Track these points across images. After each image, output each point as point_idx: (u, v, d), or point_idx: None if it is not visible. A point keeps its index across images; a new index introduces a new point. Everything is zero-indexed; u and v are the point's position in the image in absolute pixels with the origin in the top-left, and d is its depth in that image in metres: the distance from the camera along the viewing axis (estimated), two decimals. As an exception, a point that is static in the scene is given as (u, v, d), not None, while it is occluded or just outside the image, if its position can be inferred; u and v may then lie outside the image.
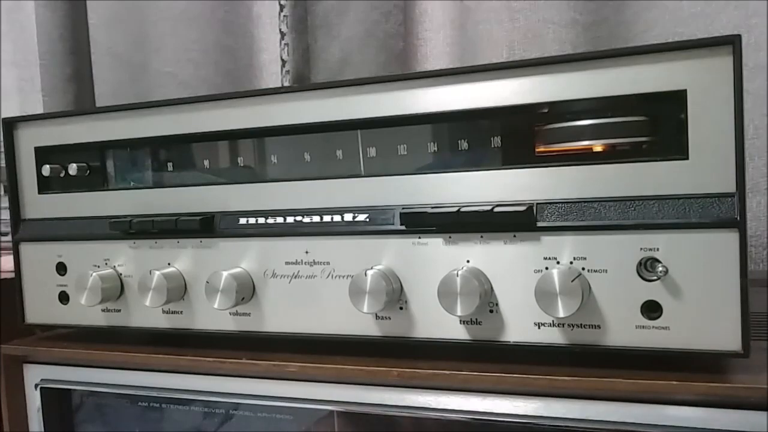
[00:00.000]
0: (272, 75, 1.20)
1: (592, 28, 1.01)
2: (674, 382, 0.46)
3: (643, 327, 0.48)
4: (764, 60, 0.92)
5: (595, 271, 0.49)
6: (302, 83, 1.17)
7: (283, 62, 1.16)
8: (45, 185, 0.68)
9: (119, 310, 0.65)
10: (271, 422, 0.58)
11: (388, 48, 1.15)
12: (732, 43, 0.45)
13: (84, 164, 0.66)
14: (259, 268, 0.59)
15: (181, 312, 0.62)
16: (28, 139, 0.68)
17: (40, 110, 1.21)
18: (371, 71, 1.15)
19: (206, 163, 0.62)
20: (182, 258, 0.61)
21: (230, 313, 0.60)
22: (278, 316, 0.58)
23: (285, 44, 1.16)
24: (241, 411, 0.60)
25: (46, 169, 0.67)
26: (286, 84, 1.16)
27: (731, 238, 0.45)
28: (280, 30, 1.15)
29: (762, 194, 0.93)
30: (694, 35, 0.96)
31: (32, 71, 1.23)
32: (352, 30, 1.15)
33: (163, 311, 0.62)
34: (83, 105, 1.25)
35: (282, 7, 1.14)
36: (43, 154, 0.68)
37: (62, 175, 0.67)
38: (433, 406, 0.53)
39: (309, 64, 1.18)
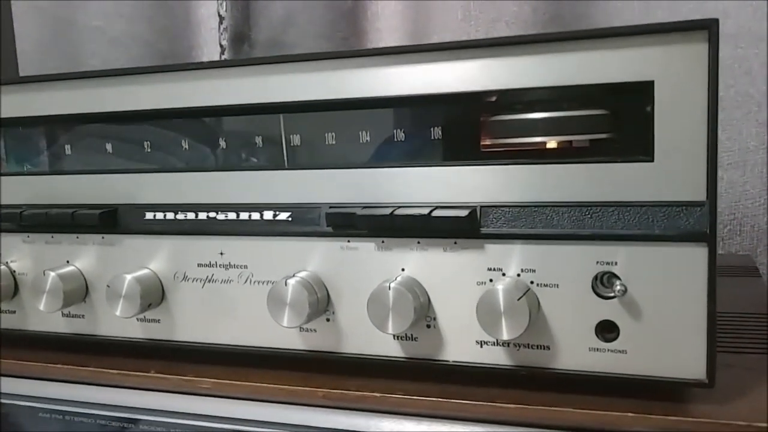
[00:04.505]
0: (210, 31, 1.12)
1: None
2: (630, 414, 0.40)
3: (597, 349, 0.42)
4: (733, 29, 0.87)
5: (546, 285, 0.43)
6: (241, 42, 1.09)
7: (221, 18, 1.08)
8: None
9: (14, 312, 0.57)
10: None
11: (336, 6, 1.06)
12: (708, 28, 0.38)
13: (-30, 144, 0.58)
14: (168, 270, 0.51)
15: (83, 316, 0.55)
16: None
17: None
18: (318, 32, 1.06)
19: (109, 147, 0.54)
20: (83, 255, 0.54)
21: (138, 319, 0.53)
22: (191, 324, 0.52)
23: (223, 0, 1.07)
24: (147, 427, 0.53)
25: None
26: (224, 43, 1.08)
27: (699, 253, 0.40)
28: (217, -17, 1.06)
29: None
30: (660, -1, 0.90)
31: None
32: (297, -14, 1.06)
33: (63, 314, 0.55)
34: (4, 63, 1.15)
35: (220, -41, 1.05)
36: None
37: (-56, 155, 0.58)
38: (363, 429, 0.47)
39: (249, 22, 1.09)
